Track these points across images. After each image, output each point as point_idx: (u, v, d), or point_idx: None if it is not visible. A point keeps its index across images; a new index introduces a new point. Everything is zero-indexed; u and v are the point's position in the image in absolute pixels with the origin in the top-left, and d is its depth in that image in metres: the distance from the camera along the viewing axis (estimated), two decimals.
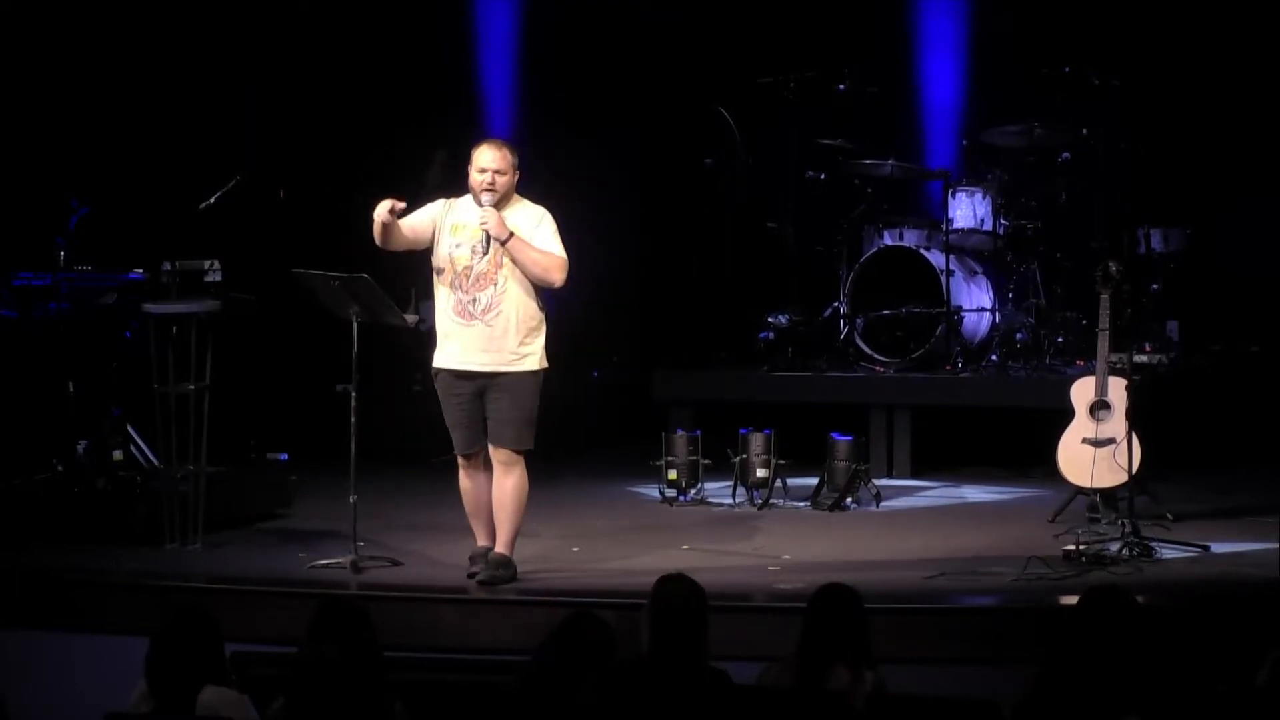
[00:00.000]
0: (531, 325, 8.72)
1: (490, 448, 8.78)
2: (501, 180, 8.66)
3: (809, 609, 6.33)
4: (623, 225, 13.47)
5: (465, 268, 8.68)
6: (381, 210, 8.66)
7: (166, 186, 11.76)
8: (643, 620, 6.22)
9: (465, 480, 8.89)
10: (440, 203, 8.86)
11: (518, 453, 8.74)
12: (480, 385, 8.73)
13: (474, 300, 8.67)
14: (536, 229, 8.71)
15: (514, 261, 8.64)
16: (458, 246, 8.70)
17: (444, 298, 8.75)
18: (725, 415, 11.57)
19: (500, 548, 8.77)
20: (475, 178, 8.69)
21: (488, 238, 8.62)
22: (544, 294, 8.78)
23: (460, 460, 8.86)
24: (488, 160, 8.68)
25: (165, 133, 12.54)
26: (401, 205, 8.70)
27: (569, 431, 11.97)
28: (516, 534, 8.79)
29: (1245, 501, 10.39)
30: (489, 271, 8.65)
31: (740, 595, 8.44)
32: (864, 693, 6.16)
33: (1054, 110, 12.09)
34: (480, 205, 8.67)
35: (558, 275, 8.68)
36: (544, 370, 8.78)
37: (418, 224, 8.80)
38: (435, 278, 8.80)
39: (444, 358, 8.80)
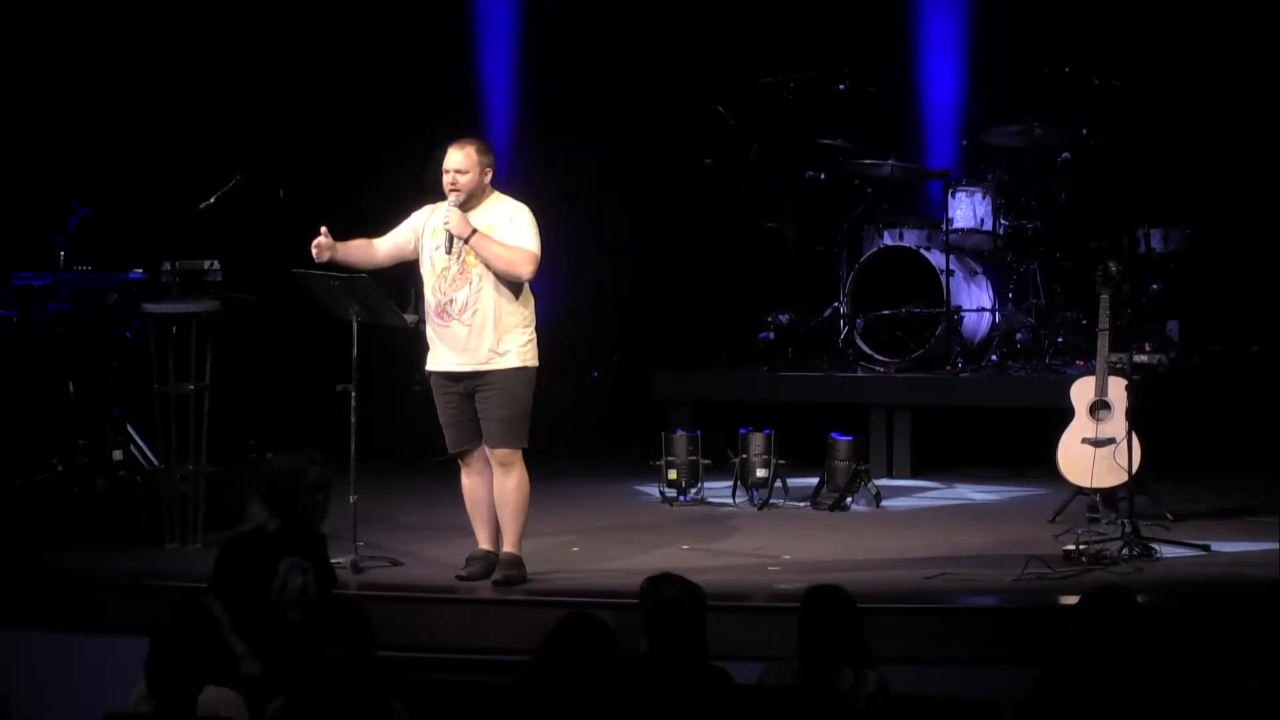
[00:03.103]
0: (513, 322, 8.74)
1: (486, 449, 8.80)
2: (464, 179, 8.72)
3: (802, 611, 6.34)
4: (623, 225, 13.46)
5: (444, 269, 8.74)
6: (317, 253, 8.77)
7: (166, 186, 11.76)
8: (639, 621, 6.23)
9: (465, 479, 8.92)
10: (425, 209, 8.92)
11: (512, 451, 8.76)
12: (469, 386, 8.77)
13: (451, 301, 8.73)
14: (509, 224, 8.75)
15: (479, 258, 8.68)
16: (436, 249, 8.78)
17: (428, 300, 8.82)
18: (725, 415, 11.57)
19: (508, 547, 8.80)
20: (443, 179, 8.76)
21: (451, 237, 8.67)
22: (529, 295, 8.82)
23: (459, 460, 8.88)
24: (449, 161, 8.76)
25: (165, 133, 12.54)
26: (323, 239, 8.74)
27: (569, 431, 11.97)
28: (523, 532, 8.82)
29: (1245, 501, 10.39)
30: (463, 271, 8.69)
31: (740, 595, 8.44)
32: (865, 692, 6.17)
33: (1054, 110, 12.08)
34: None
35: (524, 269, 8.70)
36: (532, 367, 8.79)
37: (400, 238, 8.90)
38: (423, 282, 8.87)
39: (432, 360, 8.87)
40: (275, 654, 6.87)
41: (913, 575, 8.79)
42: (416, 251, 8.85)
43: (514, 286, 8.75)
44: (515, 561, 8.78)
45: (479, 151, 8.77)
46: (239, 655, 6.91)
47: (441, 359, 8.81)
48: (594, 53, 13.23)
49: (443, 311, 8.73)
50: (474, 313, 8.70)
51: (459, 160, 8.73)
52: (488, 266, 8.68)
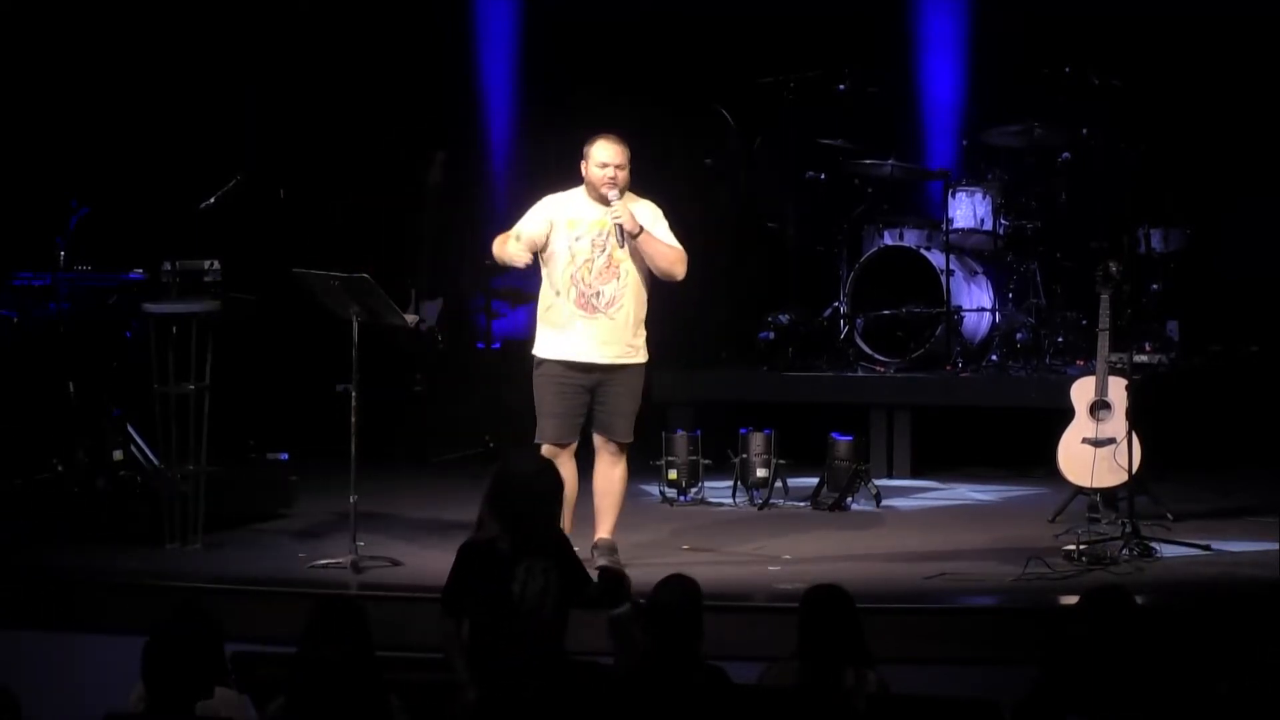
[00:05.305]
0: (642, 317, 8.91)
1: (601, 439, 8.92)
2: (622, 175, 8.80)
3: (802, 611, 6.34)
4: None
5: (586, 261, 8.80)
6: (518, 253, 8.76)
7: (166, 186, 11.77)
8: (644, 621, 6.24)
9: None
10: (553, 199, 8.93)
11: (630, 443, 8.95)
12: (596, 379, 8.85)
13: (598, 294, 8.80)
14: (653, 226, 8.85)
15: (644, 254, 8.79)
16: (577, 240, 8.81)
17: (561, 291, 8.82)
18: (725, 415, 11.57)
19: (607, 533, 8.96)
20: (596, 173, 8.79)
21: (622, 231, 8.72)
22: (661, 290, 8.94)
23: (547, 450, 8.75)
24: (610, 155, 8.79)
25: (165, 133, 12.54)
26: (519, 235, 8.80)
27: None
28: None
29: (1245, 501, 10.39)
30: (610, 265, 8.76)
31: (740, 595, 8.44)
32: (865, 692, 6.17)
33: (1054, 110, 12.09)
34: (607, 200, 8.76)
35: (681, 268, 8.89)
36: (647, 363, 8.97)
37: (536, 232, 8.87)
38: (546, 270, 8.88)
39: (559, 349, 8.86)
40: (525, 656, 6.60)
41: (913, 575, 8.79)
42: (547, 242, 8.85)
43: (648, 283, 8.86)
44: (615, 546, 8.97)
45: (626, 147, 8.83)
46: (460, 682, 6.58)
47: (577, 349, 8.83)
48: (594, 53, 13.23)
49: (588, 304, 8.80)
50: (620, 307, 8.82)
51: (619, 154, 8.79)
52: (650, 264, 8.80)
